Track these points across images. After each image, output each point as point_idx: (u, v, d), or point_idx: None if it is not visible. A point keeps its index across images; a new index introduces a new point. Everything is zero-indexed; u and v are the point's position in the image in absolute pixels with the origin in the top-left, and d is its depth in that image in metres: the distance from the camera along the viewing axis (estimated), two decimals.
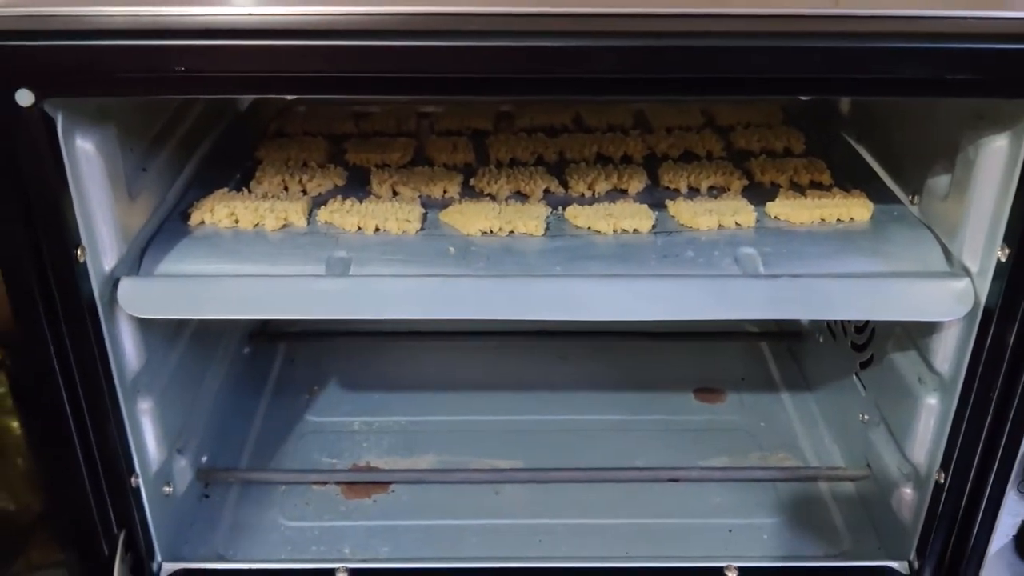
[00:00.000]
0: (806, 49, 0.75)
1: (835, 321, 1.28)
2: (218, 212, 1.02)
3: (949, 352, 0.95)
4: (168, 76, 0.76)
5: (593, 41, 0.76)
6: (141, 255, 0.96)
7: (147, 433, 0.99)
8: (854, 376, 1.20)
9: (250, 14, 0.76)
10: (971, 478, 0.95)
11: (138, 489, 0.97)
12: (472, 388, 1.37)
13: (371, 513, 1.15)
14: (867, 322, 1.18)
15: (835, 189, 1.08)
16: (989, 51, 0.74)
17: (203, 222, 1.02)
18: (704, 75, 0.78)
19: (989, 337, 0.89)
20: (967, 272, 0.91)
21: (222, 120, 1.29)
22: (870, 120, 1.19)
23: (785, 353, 1.44)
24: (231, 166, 1.17)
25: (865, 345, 1.18)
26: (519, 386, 1.38)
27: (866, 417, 1.16)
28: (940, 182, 0.97)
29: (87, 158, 0.84)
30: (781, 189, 1.09)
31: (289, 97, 1.38)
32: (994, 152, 0.86)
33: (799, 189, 1.09)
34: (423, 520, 1.14)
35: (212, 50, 0.75)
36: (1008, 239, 0.85)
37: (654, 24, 0.78)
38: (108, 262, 0.90)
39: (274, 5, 0.78)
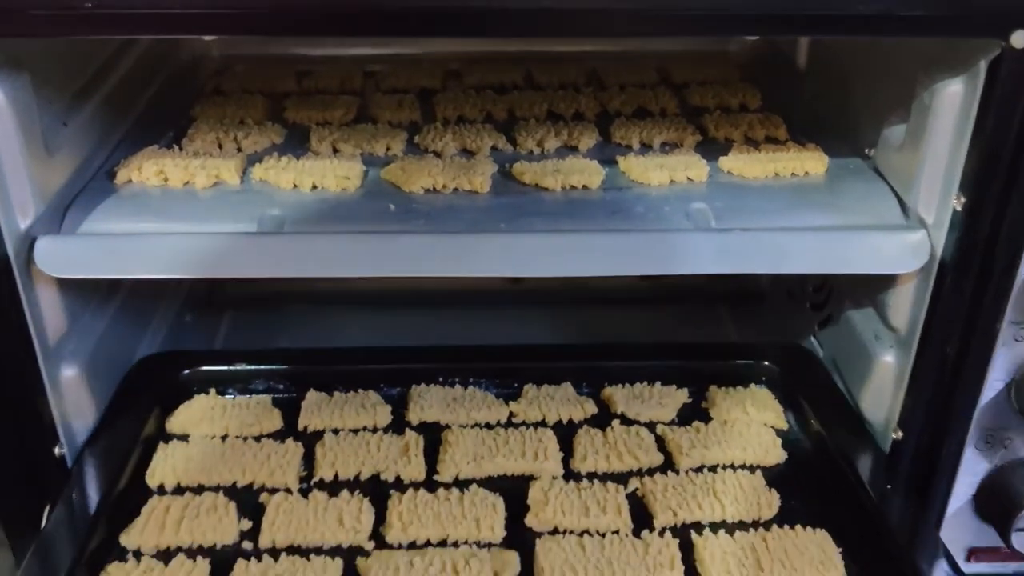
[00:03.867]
0: None
1: (795, 281, 1.26)
2: (146, 170, 0.97)
3: (905, 307, 0.92)
4: (75, 13, 0.71)
5: None
6: (63, 214, 0.91)
7: (72, 401, 0.94)
8: (812, 338, 1.17)
9: None
10: (929, 435, 0.92)
11: (63, 459, 0.92)
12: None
13: None
14: (825, 281, 1.16)
15: (790, 143, 1.05)
16: None
17: (130, 180, 0.97)
18: (659, 11, 0.74)
19: (944, 290, 0.86)
20: (923, 224, 0.89)
21: (157, 79, 1.23)
22: (827, 74, 1.16)
23: (743, 316, 1.41)
24: (164, 125, 1.12)
25: (823, 304, 1.16)
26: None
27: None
28: (895, 132, 0.94)
29: None
30: (735, 144, 1.05)
31: (220, 54, 1.34)
32: (948, 97, 0.83)
33: (754, 144, 1.06)
34: None
35: None
36: (964, 187, 0.82)
37: None
38: (23, 220, 0.85)
39: None
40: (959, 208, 0.83)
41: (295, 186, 0.97)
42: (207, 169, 0.97)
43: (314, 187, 0.97)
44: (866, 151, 1.02)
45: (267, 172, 0.98)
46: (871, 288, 0.99)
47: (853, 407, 1.02)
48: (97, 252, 0.87)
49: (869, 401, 0.99)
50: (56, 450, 0.92)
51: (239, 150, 1.05)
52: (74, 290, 0.93)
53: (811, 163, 0.99)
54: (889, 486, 0.92)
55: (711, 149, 1.04)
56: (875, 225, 0.91)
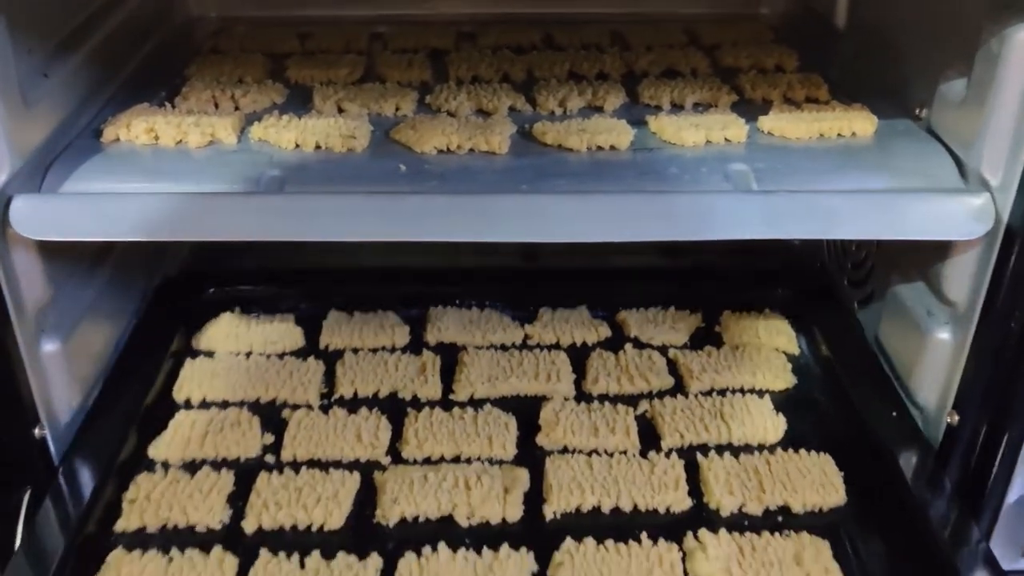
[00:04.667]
0: None
1: (832, 255, 1.17)
2: (135, 127, 0.89)
3: (964, 279, 0.85)
4: None
5: None
6: (44, 173, 0.83)
7: (54, 379, 0.86)
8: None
9: None
10: (988, 420, 0.84)
11: (44, 441, 0.85)
12: None
13: None
14: (866, 256, 1.08)
15: (833, 103, 0.97)
16: None
17: (118, 139, 0.90)
18: None
19: (1012, 260, 0.78)
20: (986, 186, 0.80)
21: (150, 39, 1.16)
22: (871, 32, 1.08)
23: None
24: (157, 84, 1.04)
25: (864, 281, 1.07)
26: None
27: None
28: (954, 88, 0.86)
29: None
30: (774, 104, 0.97)
31: (218, 15, 1.27)
32: (1021, 43, 0.75)
33: (794, 105, 0.98)
34: None
35: None
36: None
37: None
38: None
39: None
40: None
41: (297, 146, 0.89)
42: (201, 127, 0.89)
43: (318, 147, 0.89)
44: (917, 111, 0.93)
45: (267, 131, 0.90)
46: (923, 259, 0.91)
47: (863, 334, 1.04)
48: (79, 212, 0.80)
49: (920, 383, 0.91)
50: (36, 431, 0.84)
51: (236, 109, 0.97)
52: (56, 256, 0.85)
53: (859, 123, 0.91)
54: (895, 413, 0.92)
55: (748, 109, 0.96)
56: (932, 188, 0.83)
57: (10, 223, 0.77)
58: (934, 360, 0.89)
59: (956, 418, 0.86)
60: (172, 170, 0.85)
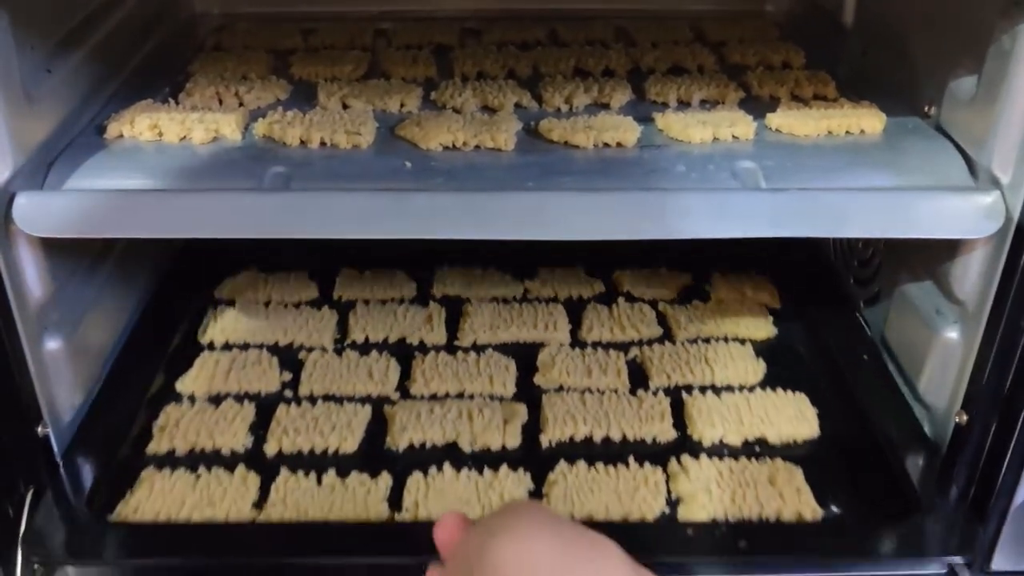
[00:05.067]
0: None
1: (838, 253, 1.17)
2: (139, 124, 0.89)
3: (973, 278, 0.84)
4: None
5: None
6: (47, 170, 0.82)
7: (57, 376, 0.86)
8: (857, 315, 1.08)
9: None
10: (997, 419, 0.83)
11: (47, 439, 0.84)
12: None
13: None
14: (872, 253, 1.07)
15: (841, 100, 0.96)
16: None
17: (121, 135, 0.89)
18: None
19: (1021, 258, 0.77)
20: (997, 184, 0.80)
21: (153, 36, 1.15)
22: (879, 28, 1.07)
23: None
24: (161, 80, 1.03)
25: (870, 279, 1.07)
26: None
27: (865, 358, 1.03)
28: (964, 85, 0.85)
29: None
30: (781, 101, 0.97)
31: (221, 12, 1.26)
32: None
33: (802, 102, 0.97)
34: None
35: None
36: None
37: None
38: (1, 173, 0.76)
39: None
40: None
41: (302, 142, 0.88)
42: (205, 123, 0.89)
43: (323, 143, 0.88)
44: (926, 109, 0.93)
45: (271, 127, 0.89)
46: (932, 257, 0.90)
47: (845, 291, 1.12)
48: (82, 209, 0.79)
49: (929, 383, 0.91)
50: (39, 429, 0.84)
51: (241, 105, 0.96)
52: (59, 252, 0.85)
53: (867, 120, 0.90)
54: (865, 356, 1.00)
55: (756, 107, 0.95)
56: (942, 186, 0.82)
57: (13, 220, 0.76)
58: (942, 359, 0.88)
59: (964, 418, 0.85)
60: (176, 167, 0.84)
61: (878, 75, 1.03)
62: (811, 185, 0.82)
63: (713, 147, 0.89)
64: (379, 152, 0.88)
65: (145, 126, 0.88)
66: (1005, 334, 0.80)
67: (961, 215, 0.80)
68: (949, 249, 0.86)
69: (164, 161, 0.85)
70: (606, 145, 0.89)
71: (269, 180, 0.82)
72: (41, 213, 0.78)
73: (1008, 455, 0.81)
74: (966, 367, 0.85)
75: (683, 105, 0.98)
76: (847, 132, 0.90)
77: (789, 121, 0.91)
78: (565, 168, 0.85)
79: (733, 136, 0.90)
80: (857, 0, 1.15)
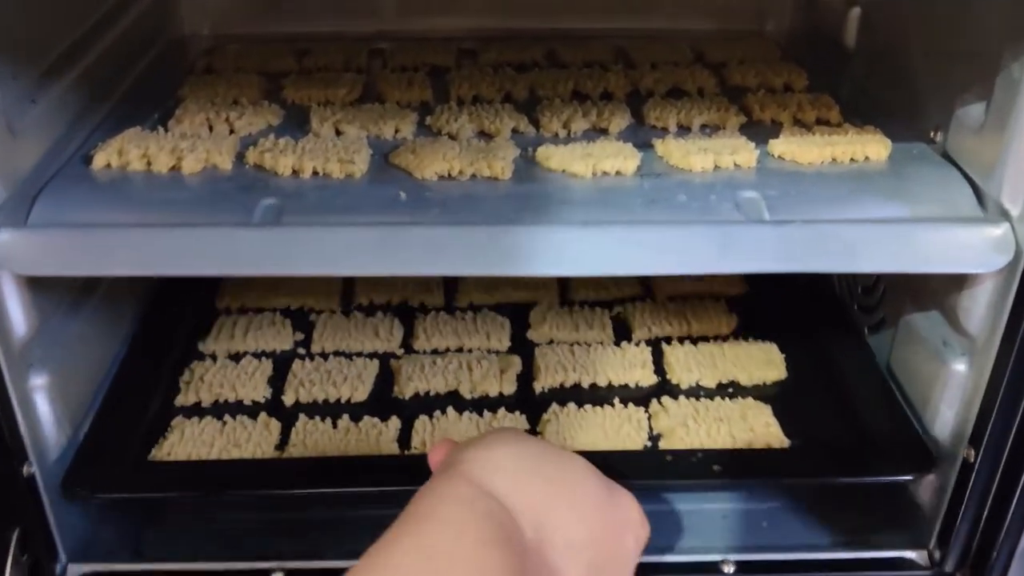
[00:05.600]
0: None
1: (842, 278, 1.15)
2: (127, 153, 0.86)
3: (982, 310, 0.82)
4: None
5: None
6: (31, 204, 0.80)
7: (43, 414, 0.83)
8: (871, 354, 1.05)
9: None
10: (1006, 455, 0.81)
11: (33, 479, 0.82)
12: None
13: None
14: (877, 280, 1.05)
15: (845, 126, 0.94)
16: None
17: (109, 165, 0.86)
18: None
19: None
20: (1006, 216, 0.78)
21: (142, 58, 1.13)
22: (882, 50, 1.05)
23: None
24: (150, 106, 1.01)
25: (875, 307, 1.05)
26: None
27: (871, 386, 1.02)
28: (972, 112, 0.83)
29: None
30: (784, 126, 0.95)
31: (212, 32, 1.24)
32: None
33: (804, 127, 0.95)
34: None
35: None
36: None
37: None
38: None
39: None
40: None
41: (294, 171, 0.86)
42: (196, 152, 0.86)
43: (315, 172, 0.86)
44: (931, 134, 0.91)
45: (262, 156, 0.87)
46: (938, 288, 0.88)
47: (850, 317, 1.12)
48: (68, 248, 0.76)
49: (936, 417, 0.88)
50: (24, 469, 0.81)
51: (232, 132, 0.94)
52: (44, 287, 0.83)
53: (872, 147, 0.89)
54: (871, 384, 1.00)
55: (757, 132, 0.94)
56: (951, 217, 0.80)
57: None
58: (950, 392, 0.86)
59: (972, 453, 0.83)
60: (165, 199, 0.82)
61: (882, 98, 1.01)
62: (816, 216, 0.80)
63: (715, 175, 0.87)
64: (373, 181, 0.86)
65: (134, 156, 0.86)
66: (1015, 370, 0.78)
67: (970, 248, 0.78)
68: (956, 280, 0.84)
69: (152, 193, 0.83)
70: (605, 173, 0.87)
71: (260, 213, 0.80)
72: (25, 251, 0.75)
73: (1017, 495, 0.79)
74: (974, 401, 0.83)
75: (683, 130, 0.96)
76: (851, 159, 0.88)
77: (792, 148, 0.89)
78: (564, 198, 0.83)
79: (735, 164, 0.88)
80: (859, 20, 1.13)
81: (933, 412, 0.89)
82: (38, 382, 0.82)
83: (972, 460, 0.83)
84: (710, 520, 0.97)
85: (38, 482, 0.83)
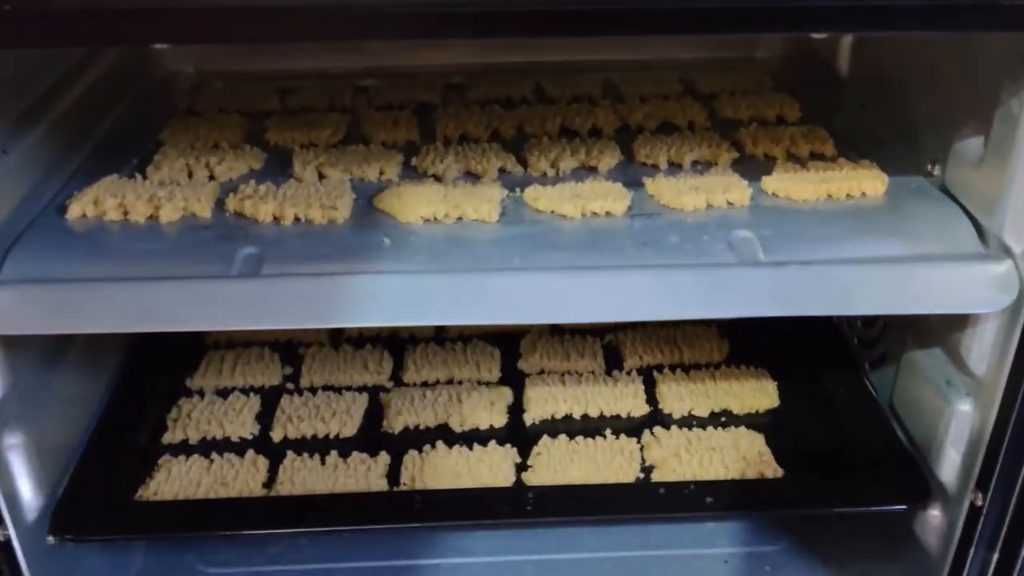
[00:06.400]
0: None
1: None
2: (103, 203, 0.84)
3: (986, 349, 0.80)
4: None
5: None
6: (3, 257, 0.78)
7: (18, 475, 0.81)
8: (863, 378, 1.04)
9: None
10: (1015, 499, 0.79)
11: (8, 543, 0.79)
12: None
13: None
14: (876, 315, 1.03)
15: (840, 160, 0.92)
16: None
17: (84, 215, 0.84)
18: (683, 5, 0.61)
19: None
20: (1008, 253, 0.76)
21: (123, 99, 1.10)
22: (877, 79, 1.03)
23: None
24: (128, 151, 0.99)
25: (875, 341, 1.02)
26: None
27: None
28: (971, 146, 0.81)
29: None
30: (777, 162, 0.93)
31: (196, 70, 1.21)
32: None
33: (798, 161, 0.93)
34: None
35: None
36: None
37: None
38: None
39: None
40: None
41: (275, 218, 0.84)
42: (173, 200, 0.84)
43: (297, 219, 0.84)
44: (929, 167, 0.89)
45: (242, 203, 0.85)
46: (940, 326, 0.86)
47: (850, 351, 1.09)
48: (40, 306, 0.74)
49: (942, 457, 0.86)
50: (0, 534, 0.79)
51: (212, 178, 0.92)
52: (17, 346, 0.80)
53: (868, 183, 0.86)
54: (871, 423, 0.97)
55: (750, 168, 0.92)
56: (951, 255, 0.78)
57: None
58: (955, 434, 0.84)
59: (979, 498, 0.80)
60: (142, 250, 0.80)
61: (877, 129, 0.99)
62: (812, 257, 0.78)
63: (707, 214, 0.85)
64: (357, 227, 0.84)
65: (111, 205, 0.84)
66: (1022, 412, 0.76)
67: (972, 288, 0.76)
68: (959, 319, 0.82)
69: (129, 244, 0.81)
70: (595, 214, 0.84)
71: (240, 263, 0.78)
72: None
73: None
74: (980, 443, 0.80)
75: (674, 167, 0.94)
76: (847, 195, 0.86)
77: (786, 185, 0.87)
78: (553, 241, 0.81)
79: (728, 202, 0.86)
80: (852, 46, 1.11)
81: (938, 453, 0.87)
82: (12, 441, 0.80)
83: (980, 504, 0.81)
84: (711, 565, 0.95)
85: (14, 546, 0.80)
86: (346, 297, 0.75)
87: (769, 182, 0.88)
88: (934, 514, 0.88)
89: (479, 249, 0.80)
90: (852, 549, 0.97)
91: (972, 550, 0.82)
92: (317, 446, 0.96)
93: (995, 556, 0.81)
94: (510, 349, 1.09)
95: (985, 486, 0.80)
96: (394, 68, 1.21)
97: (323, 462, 0.94)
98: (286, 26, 0.62)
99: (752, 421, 1.00)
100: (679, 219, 0.84)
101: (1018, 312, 0.75)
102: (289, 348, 1.11)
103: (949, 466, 0.86)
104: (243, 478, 0.92)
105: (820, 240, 0.80)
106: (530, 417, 1.00)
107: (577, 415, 1.01)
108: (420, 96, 1.12)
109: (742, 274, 0.76)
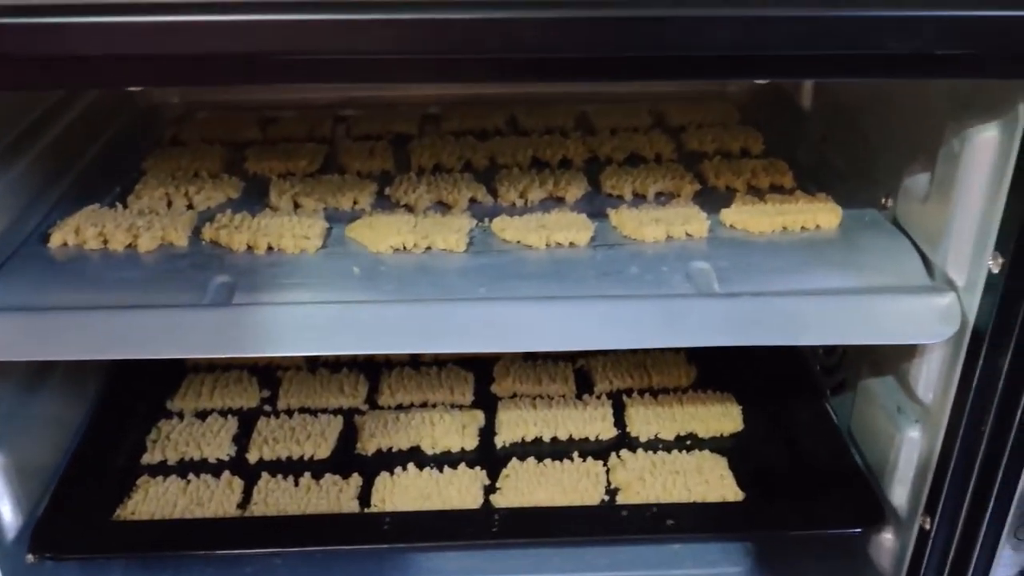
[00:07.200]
0: (773, 20, 0.61)
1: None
2: (84, 231, 0.87)
3: (932, 378, 0.83)
4: None
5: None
6: None
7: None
8: (824, 404, 1.07)
9: None
10: (960, 524, 0.82)
11: None
12: None
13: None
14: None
15: (798, 192, 0.96)
16: (988, 20, 0.61)
17: (66, 244, 0.87)
18: (653, 54, 0.64)
19: (980, 361, 0.76)
20: (952, 286, 0.79)
21: (109, 129, 1.14)
22: (836, 115, 1.07)
23: None
24: (111, 180, 1.02)
25: (835, 368, 1.05)
26: None
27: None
28: (919, 182, 0.84)
29: None
30: (737, 194, 0.96)
31: (181, 101, 1.25)
32: (982, 145, 0.73)
33: (758, 193, 0.96)
34: None
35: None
36: (1000, 246, 0.72)
37: None
38: None
39: None
40: (995, 270, 0.73)
41: (249, 247, 0.87)
42: (152, 230, 0.87)
43: (270, 248, 0.87)
44: (883, 201, 0.92)
45: (218, 232, 0.88)
46: (892, 355, 0.89)
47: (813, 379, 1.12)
48: (20, 333, 0.77)
49: (893, 483, 0.89)
50: None
51: (190, 207, 0.95)
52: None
53: (823, 215, 0.90)
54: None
55: (711, 199, 0.95)
56: (898, 287, 0.81)
57: None
58: (905, 459, 0.87)
59: (928, 522, 0.83)
60: (120, 278, 0.82)
61: (837, 162, 1.03)
62: (766, 287, 0.81)
63: (667, 245, 0.88)
64: (327, 256, 0.87)
65: (91, 234, 0.87)
66: (965, 438, 0.79)
67: (917, 319, 0.79)
68: (908, 348, 0.84)
69: (107, 272, 0.84)
70: (559, 245, 0.88)
71: (212, 292, 0.81)
72: None
73: (971, 568, 0.79)
74: (928, 469, 0.83)
75: (639, 198, 0.97)
76: (802, 228, 0.89)
77: (743, 217, 0.90)
78: (518, 271, 0.84)
79: (687, 234, 0.89)
80: (815, 84, 1.15)
81: (890, 477, 0.90)
82: None
83: (928, 528, 0.83)
84: None
85: None
86: (314, 326, 0.77)
87: (728, 214, 0.91)
88: (887, 537, 0.90)
89: (446, 279, 0.83)
90: (811, 571, 0.99)
91: (922, 573, 0.85)
92: (292, 468, 0.99)
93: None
94: (484, 373, 1.12)
95: (933, 511, 0.83)
96: (375, 98, 1.24)
97: (296, 483, 0.97)
98: (273, 72, 0.65)
99: (716, 445, 1.03)
100: (640, 250, 0.87)
101: (960, 343, 0.77)
102: (267, 371, 1.14)
103: (900, 491, 0.88)
104: (218, 499, 0.95)
105: (774, 271, 0.83)
106: (501, 440, 1.03)
107: (547, 438, 1.04)
108: (397, 127, 1.15)
109: (698, 304, 0.79)
